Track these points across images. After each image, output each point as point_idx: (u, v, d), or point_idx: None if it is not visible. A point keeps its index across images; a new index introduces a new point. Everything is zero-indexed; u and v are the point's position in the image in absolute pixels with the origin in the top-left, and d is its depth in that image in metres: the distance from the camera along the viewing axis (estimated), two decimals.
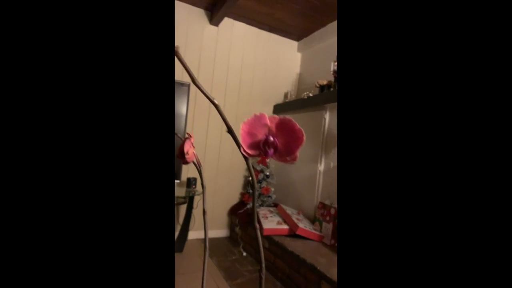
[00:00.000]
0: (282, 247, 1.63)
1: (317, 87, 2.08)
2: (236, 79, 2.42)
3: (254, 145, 0.30)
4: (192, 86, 2.19)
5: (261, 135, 0.30)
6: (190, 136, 0.41)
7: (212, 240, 2.29)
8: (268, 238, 1.79)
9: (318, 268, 1.32)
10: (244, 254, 2.05)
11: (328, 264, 1.37)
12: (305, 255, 1.46)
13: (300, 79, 2.65)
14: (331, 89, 1.94)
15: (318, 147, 1.99)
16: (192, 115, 2.22)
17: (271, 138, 0.29)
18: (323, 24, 2.29)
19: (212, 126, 2.33)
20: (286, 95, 2.53)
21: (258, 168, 2.31)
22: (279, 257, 1.67)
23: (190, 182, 2.09)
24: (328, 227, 1.72)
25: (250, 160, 0.34)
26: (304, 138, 0.30)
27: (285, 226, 1.81)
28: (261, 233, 1.83)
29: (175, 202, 2.09)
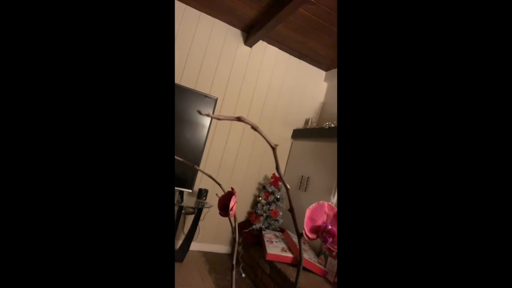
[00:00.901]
0: (284, 276, 1.59)
1: None
2: (261, 99, 2.47)
3: (314, 229, 0.34)
4: (219, 101, 2.26)
5: (320, 221, 0.34)
6: (234, 192, 0.43)
7: (213, 255, 2.27)
8: (270, 263, 1.75)
9: None
10: (243, 275, 2.00)
11: None
12: None
13: (323, 108, 2.68)
14: None
15: (333, 178, 1.97)
16: (214, 130, 2.27)
17: (329, 226, 0.34)
18: None
19: (230, 141, 2.36)
20: (307, 122, 2.55)
21: (270, 189, 2.30)
22: (279, 286, 1.62)
23: (201, 193, 2.11)
24: (334, 263, 1.66)
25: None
26: None
27: (290, 254, 1.77)
28: (264, 257, 1.80)
29: (183, 211, 2.10)
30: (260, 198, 2.32)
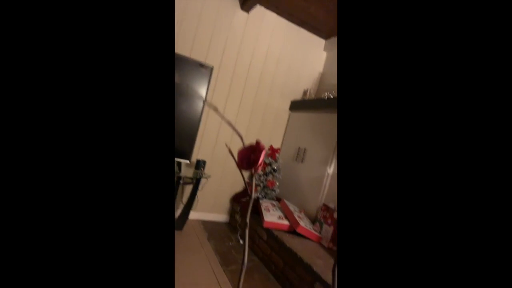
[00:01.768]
0: (280, 242, 1.66)
1: None
2: (258, 69, 2.40)
3: (245, 162, 0.44)
4: (215, 70, 2.19)
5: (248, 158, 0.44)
6: (263, 147, 0.46)
7: (212, 223, 2.34)
8: (267, 231, 1.81)
9: (314, 269, 1.34)
10: (241, 242, 2.08)
11: (324, 266, 1.39)
12: (303, 254, 1.48)
13: (322, 78, 2.62)
14: None
15: (331, 149, 1.98)
16: (210, 100, 2.23)
17: (252, 156, 0.43)
18: None
19: (228, 110, 2.33)
20: (305, 93, 2.51)
21: (267, 161, 2.32)
22: (276, 252, 1.70)
23: (199, 164, 2.12)
24: (329, 230, 1.73)
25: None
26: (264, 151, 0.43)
27: (286, 222, 1.82)
28: (261, 225, 1.86)
29: (182, 182, 2.12)
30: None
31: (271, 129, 2.55)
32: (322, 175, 2.00)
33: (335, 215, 1.73)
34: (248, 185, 0.51)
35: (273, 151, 2.35)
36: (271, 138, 2.55)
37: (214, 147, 2.32)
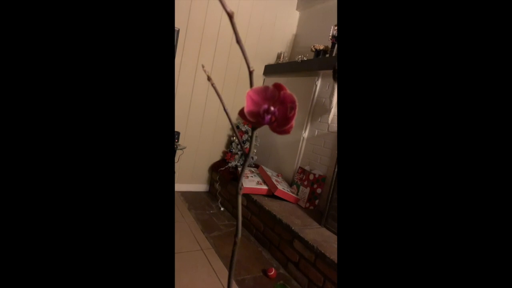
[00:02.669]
0: (259, 206, 1.71)
1: (312, 51, 2.00)
2: (228, 32, 2.26)
3: (255, 113, 0.30)
4: (181, 33, 2.03)
5: (262, 106, 0.30)
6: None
7: (192, 193, 2.34)
8: (247, 196, 1.85)
9: (293, 228, 1.41)
10: (222, 209, 2.13)
11: (302, 225, 1.47)
12: (281, 215, 1.54)
13: (296, 40, 2.54)
14: (327, 55, 1.88)
15: (305, 114, 1.99)
16: (179, 66, 2.09)
17: (272, 108, 0.29)
18: None
19: (199, 77, 2.22)
20: (279, 56, 2.43)
21: (243, 129, 2.30)
22: (256, 215, 1.76)
23: (173, 136, 2.05)
24: (305, 191, 1.80)
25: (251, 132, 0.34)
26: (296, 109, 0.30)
27: (264, 187, 1.87)
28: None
29: None
30: (234, 138, 2.33)
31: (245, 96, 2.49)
32: (298, 140, 2.03)
33: (311, 176, 1.79)
34: (239, 145, 0.42)
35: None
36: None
37: (187, 117, 2.24)
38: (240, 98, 2.45)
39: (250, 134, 2.25)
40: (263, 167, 2.10)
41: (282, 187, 1.83)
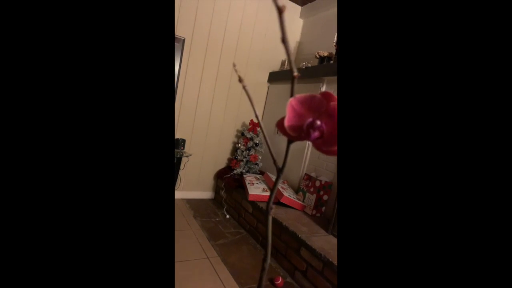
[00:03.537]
0: (265, 213, 1.69)
1: (316, 58, 2.01)
2: (233, 39, 2.29)
3: (297, 128, 0.25)
4: (187, 42, 2.06)
5: (307, 118, 0.25)
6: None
7: (197, 201, 2.34)
8: (252, 203, 1.84)
9: (300, 236, 1.39)
10: (227, 216, 2.11)
11: (309, 232, 1.45)
12: (288, 223, 1.52)
13: (300, 47, 2.55)
14: (331, 61, 1.89)
15: None
16: (184, 75, 2.12)
17: (318, 122, 0.24)
18: None
19: (204, 87, 2.24)
20: (283, 63, 2.45)
21: (248, 135, 2.30)
22: (262, 223, 1.74)
23: (179, 143, 2.06)
24: (311, 198, 1.78)
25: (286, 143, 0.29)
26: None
27: None
28: (247, 199, 1.88)
29: None
30: (239, 145, 2.33)
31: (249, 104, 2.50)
32: (303, 146, 2.02)
33: (317, 183, 1.77)
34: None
35: (253, 126, 2.33)
36: (251, 112, 2.52)
37: (192, 124, 2.25)
38: (244, 107, 2.46)
39: (255, 141, 2.25)
40: (268, 174, 2.09)
41: (288, 194, 1.81)
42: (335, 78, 1.76)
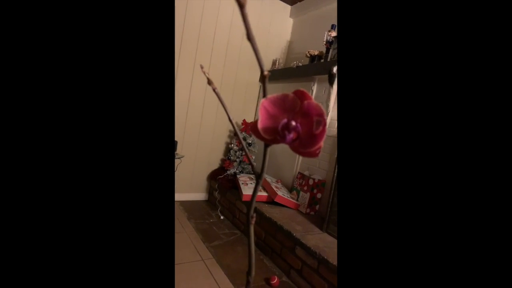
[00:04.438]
0: (260, 213, 1.69)
1: (307, 57, 2.02)
2: (224, 39, 2.28)
3: (270, 130, 0.24)
4: (177, 41, 2.04)
5: (281, 119, 0.23)
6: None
7: (191, 202, 2.32)
8: (246, 203, 1.83)
9: (294, 234, 1.39)
10: (222, 217, 2.10)
11: (303, 231, 1.45)
12: (282, 222, 1.52)
13: (290, 47, 2.56)
14: (322, 60, 1.90)
15: None
16: (175, 75, 2.10)
17: (293, 123, 0.23)
18: None
19: (195, 86, 2.22)
20: (274, 63, 2.45)
21: (241, 136, 2.29)
22: (256, 223, 1.73)
23: None
24: (305, 197, 1.79)
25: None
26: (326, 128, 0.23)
27: (264, 193, 1.85)
28: (241, 199, 1.87)
29: None
30: (232, 145, 2.32)
31: (243, 103, 2.49)
32: None
33: (311, 181, 1.78)
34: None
35: (246, 126, 2.32)
36: (244, 112, 2.51)
37: (184, 125, 2.23)
38: (236, 107, 2.45)
39: (247, 141, 2.25)
40: None
41: (282, 193, 1.81)
42: (326, 76, 1.77)
